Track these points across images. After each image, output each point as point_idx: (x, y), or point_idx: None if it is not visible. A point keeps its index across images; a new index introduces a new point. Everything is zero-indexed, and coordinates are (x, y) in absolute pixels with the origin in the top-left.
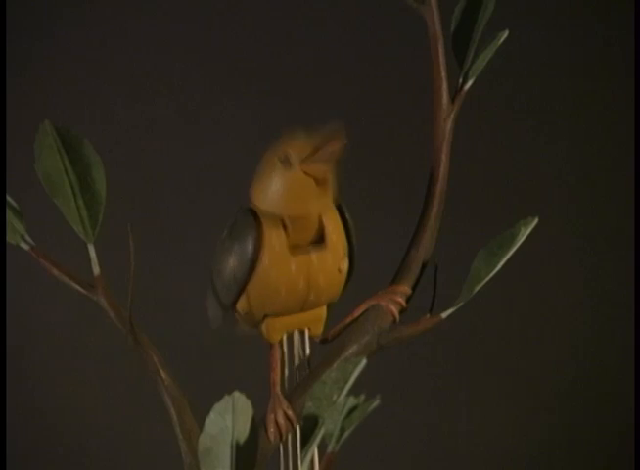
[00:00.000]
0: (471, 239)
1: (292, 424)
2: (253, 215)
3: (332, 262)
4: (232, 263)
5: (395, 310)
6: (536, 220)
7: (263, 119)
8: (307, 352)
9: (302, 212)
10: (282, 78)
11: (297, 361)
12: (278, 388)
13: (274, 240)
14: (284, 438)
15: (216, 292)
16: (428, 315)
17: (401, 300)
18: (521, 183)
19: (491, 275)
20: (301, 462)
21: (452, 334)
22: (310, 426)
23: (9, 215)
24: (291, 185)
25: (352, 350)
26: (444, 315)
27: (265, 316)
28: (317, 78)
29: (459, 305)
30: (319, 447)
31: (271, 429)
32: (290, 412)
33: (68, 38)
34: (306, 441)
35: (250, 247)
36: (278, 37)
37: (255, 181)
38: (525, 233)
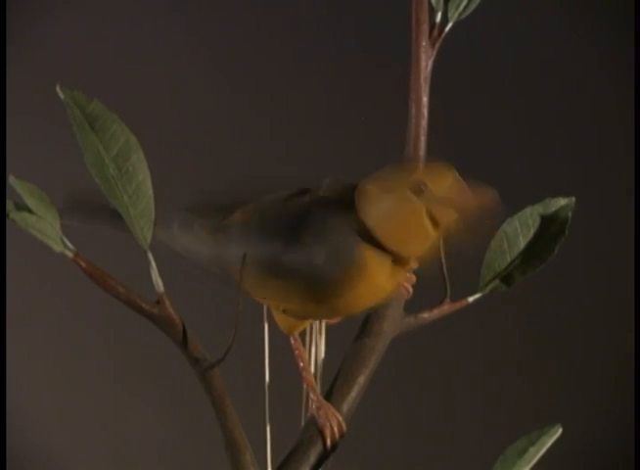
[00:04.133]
0: None
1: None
2: (353, 233)
3: (403, 279)
4: (307, 278)
5: (408, 286)
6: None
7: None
8: (322, 342)
9: (414, 252)
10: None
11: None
12: (319, 392)
13: (378, 274)
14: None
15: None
16: (448, 300)
17: (410, 275)
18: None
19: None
20: None
21: (452, 331)
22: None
23: (49, 219)
24: (418, 221)
25: (381, 344)
26: (471, 299)
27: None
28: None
29: (486, 290)
30: None
31: (329, 441)
32: (344, 424)
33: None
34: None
35: (350, 281)
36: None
37: (368, 203)
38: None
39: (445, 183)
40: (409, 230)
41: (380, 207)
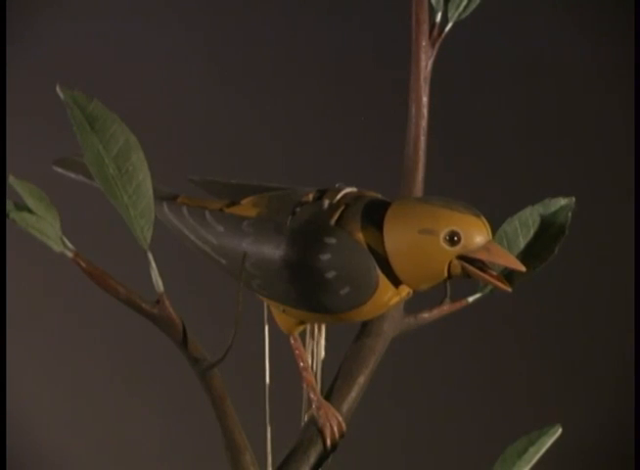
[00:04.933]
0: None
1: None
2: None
3: (406, 295)
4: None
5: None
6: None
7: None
8: (322, 343)
9: (422, 288)
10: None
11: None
12: (319, 392)
13: (385, 295)
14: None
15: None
16: (448, 300)
17: None
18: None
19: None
20: None
21: (453, 330)
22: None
23: (49, 219)
24: (440, 267)
25: (381, 344)
26: (471, 299)
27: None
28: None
29: (486, 290)
30: None
31: (328, 441)
32: (344, 424)
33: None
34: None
35: (362, 298)
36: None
37: (398, 235)
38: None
39: (478, 240)
40: (429, 274)
41: (409, 244)
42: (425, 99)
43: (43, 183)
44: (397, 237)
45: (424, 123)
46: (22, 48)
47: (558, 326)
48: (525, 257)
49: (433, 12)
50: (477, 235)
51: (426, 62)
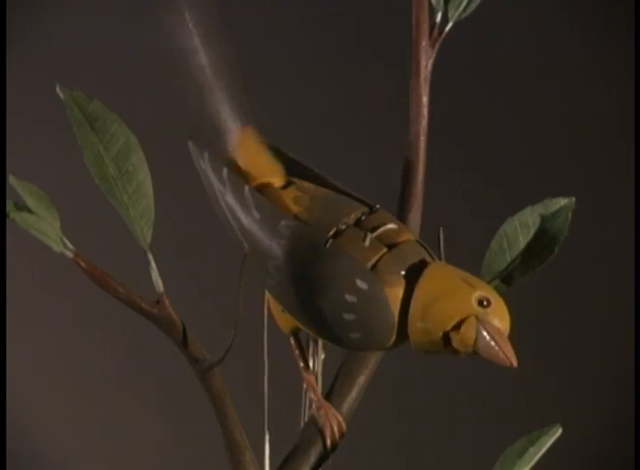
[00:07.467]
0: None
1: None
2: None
3: None
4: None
5: None
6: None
7: None
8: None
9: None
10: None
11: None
12: (319, 393)
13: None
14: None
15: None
16: None
17: None
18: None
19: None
20: None
21: None
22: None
23: (49, 219)
24: (453, 317)
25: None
26: None
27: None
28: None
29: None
30: None
31: (328, 441)
32: (344, 424)
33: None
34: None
35: (370, 346)
36: None
37: (427, 292)
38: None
39: (497, 320)
40: (444, 318)
41: (444, 288)
42: (425, 99)
43: (43, 183)
44: (431, 290)
45: (424, 123)
46: (22, 48)
47: (558, 326)
48: (525, 257)
49: (433, 12)
50: (501, 316)
51: (426, 62)
